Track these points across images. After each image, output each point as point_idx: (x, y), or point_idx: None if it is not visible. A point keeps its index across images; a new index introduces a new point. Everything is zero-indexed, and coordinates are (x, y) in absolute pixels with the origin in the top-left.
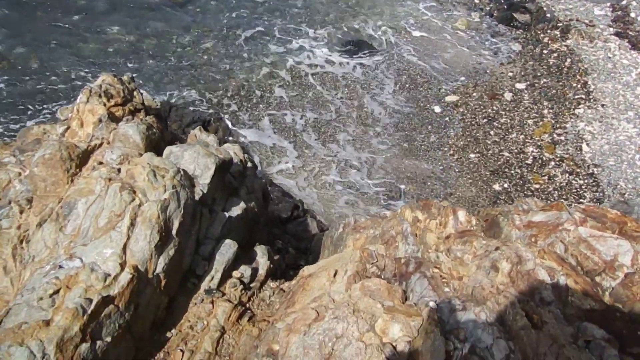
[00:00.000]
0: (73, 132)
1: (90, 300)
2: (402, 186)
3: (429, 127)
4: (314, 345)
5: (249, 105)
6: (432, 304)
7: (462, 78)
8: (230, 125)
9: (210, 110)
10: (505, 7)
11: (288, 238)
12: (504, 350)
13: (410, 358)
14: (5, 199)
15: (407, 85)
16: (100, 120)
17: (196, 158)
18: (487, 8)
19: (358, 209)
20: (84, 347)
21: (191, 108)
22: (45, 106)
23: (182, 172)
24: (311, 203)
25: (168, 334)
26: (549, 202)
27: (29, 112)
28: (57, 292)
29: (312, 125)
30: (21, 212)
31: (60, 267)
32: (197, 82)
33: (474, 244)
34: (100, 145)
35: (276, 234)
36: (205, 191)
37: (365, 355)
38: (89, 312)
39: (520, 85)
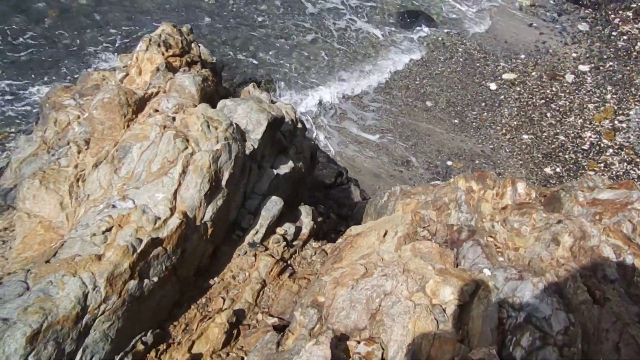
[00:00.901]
0: (131, 79)
1: (141, 240)
2: (449, 162)
3: (483, 104)
4: (361, 299)
5: (301, 70)
6: (486, 270)
7: (522, 56)
8: (280, 88)
9: (261, 72)
10: None
11: (330, 203)
12: (563, 322)
13: (459, 322)
14: (64, 139)
15: (462, 60)
16: (157, 69)
17: (249, 113)
18: None
19: (402, 182)
20: (132, 284)
21: (243, 68)
22: (103, 55)
23: (234, 126)
24: (355, 172)
25: (211, 281)
26: None
27: (87, 60)
28: (109, 229)
29: (361, 94)
30: (79, 152)
31: (114, 206)
32: (250, 43)
33: (534, 216)
34: (157, 93)
35: (319, 198)
36: (255, 146)
37: (413, 314)
38: (139, 251)
39: (583, 67)
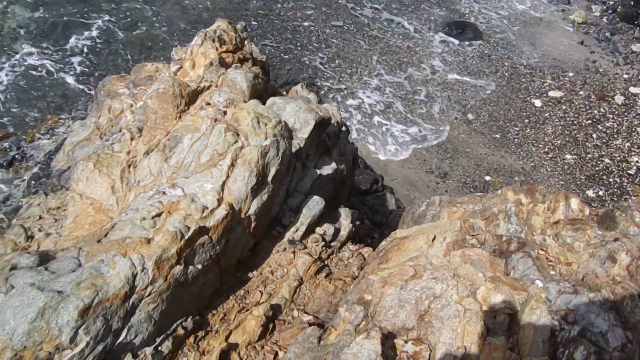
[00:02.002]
0: (184, 72)
1: (188, 228)
2: (487, 177)
3: (526, 120)
4: (410, 299)
5: (343, 75)
6: (538, 282)
7: (571, 74)
8: (322, 91)
9: (304, 74)
10: (632, 2)
11: (364, 209)
12: (621, 338)
13: (509, 330)
14: (117, 126)
15: (507, 74)
16: (211, 64)
17: (297, 112)
18: (611, 2)
19: (437, 194)
20: (178, 269)
21: (286, 69)
22: (155, 49)
23: (283, 123)
24: (390, 180)
25: (250, 274)
26: None
27: (142, 53)
28: (159, 215)
29: (402, 100)
30: (132, 139)
31: (164, 193)
32: (294, 46)
33: (588, 232)
34: (209, 87)
35: (354, 203)
36: (301, 145)
37: (463, 319)
38: (186, 237)
39: (635, 90)
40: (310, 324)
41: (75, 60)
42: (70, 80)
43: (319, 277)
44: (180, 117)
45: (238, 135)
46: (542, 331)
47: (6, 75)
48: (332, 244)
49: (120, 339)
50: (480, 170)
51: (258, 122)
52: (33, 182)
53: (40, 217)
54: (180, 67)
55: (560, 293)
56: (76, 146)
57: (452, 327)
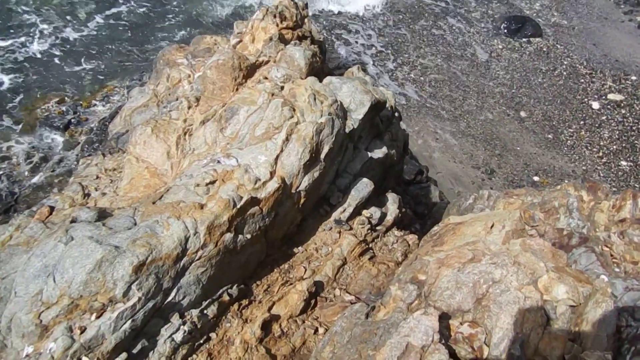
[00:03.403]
0: (244, 46)
1: (241, 197)
2: (536, 178)
3: (582, 122)
4: (468, 282)
5: (395, 64)
6: (604, 277)
7: (634, 77)
8: (372, 78)
9: (355, 59)
10: None
11: (407, 199)
12: None
13: (570, 322)
14: (174, 94)
15: (565, 73)
16: (270, 39)
17: (353, 93)
18: None
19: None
20: (228, 236)
21: (338, 53)
22: (215, 23)
23: (339, 102)
24: (435, 173)
25: (295, 250)
26: None
27: (199, 27)
28: (212, 182)
29: (452, 96)
30: (189, 107)
31: (218, 162)
32: (348, 30)
33: None
34: (267, 62)
35: (397, 191)
36: (355, 126)
37: (523, 306)
38: (238, 206)
39: None
40: (352, 304)
41: (132, 30)
42: (127, 49)
43: (363, 259)
44: (237, 89)
45: (294, 110)
46: (607, 325)
47: (67, 40)
48: (377, 227)
49: (169, 298)
50: (529, 170)
51: (315, 100)
52: (87, 146)
53: (97, 177)
54: (240, 41)
55: (628, 290)
56: (134, 112)
57: (511, 313)
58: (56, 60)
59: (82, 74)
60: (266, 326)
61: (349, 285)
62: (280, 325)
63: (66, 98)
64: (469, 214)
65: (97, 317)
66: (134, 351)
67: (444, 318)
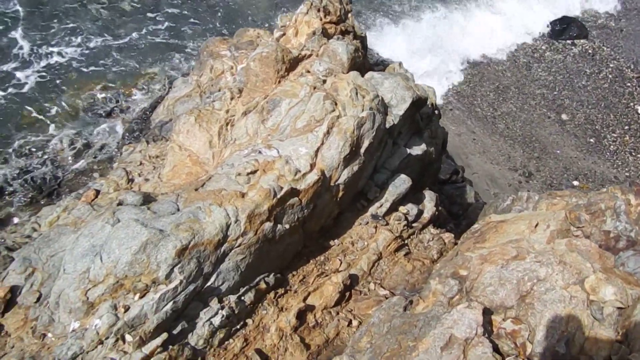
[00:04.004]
0: (287, 39)
1: (281, 188)
2: (575, 182)
3: (626, 127)
4: (511, 279)
5: (434, 61)
6: None
7: None
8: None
9: (392, 57)
10: None
11: (442, 198)
12: None
13: (618, 324)
14: (217, 85)
15: (611, 77)
16: (314, 33)
17: (395, 88)
18: None
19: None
20: (267, 225)
21: (375, 51)
22: (256, 17)
23: (380, 98)
24: (471, 173)
25: (331, 242)
26: None
27: (242, 20)
28: (254, 172)
29: (491, 95)
30: (232, 98)
31: (260, 152)
32: (386, 27)
33: None
34: (309, 56)
35: (433, 190)
36: (395, 122)
37: (568, 305)
38: (279, 196)
39: None
40: (386, 298)
41: (176, 22)
42: (169, 41)
43: (398, 255)
44: (279, 81)
45: (336, 104)
46: None
47: (110, 29)
48: (413, 224)
49: (209, 283)
50: (569, 174)
51: (356, 94)
52: (127, 134)
53: (141, 163)
54: (284, 34)
55: None
56: (177, 101)
57: (556, 312)
58: (100, 49)
59: (125, 63)
60: (301, 316)
61: (384, 280)
62: (314, 316)
63: (110, 86)
64: (511, 213)
65: (141, 297)
66: (174, 332)
67: (487, 313)
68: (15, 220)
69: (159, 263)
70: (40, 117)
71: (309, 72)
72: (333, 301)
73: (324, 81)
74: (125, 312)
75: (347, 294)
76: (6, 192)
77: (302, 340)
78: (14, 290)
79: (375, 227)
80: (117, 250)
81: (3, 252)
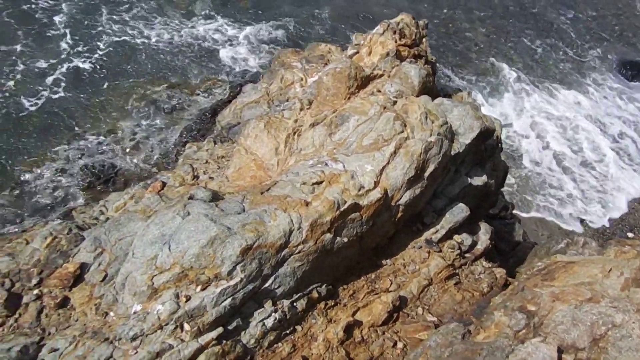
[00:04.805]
0: (360, 57)
1: (345, 201)
2: (630, 234)
3: None
4: (585, 321)
5: (498, 94)
6: None
7: None
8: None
9: (459, 84)
10: None
11: None
12: None
13: None
14: (285, 95)
15: None
16: (387, 54)
17: (464, 117)
18: None
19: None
20: (328, 236)
21: (441, 77)
22: (329, 32)
23: (449, 124)
24: (520, 210)
25: (383, 261)
26: None
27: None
28: (319, 183)
29: (552, 132)
30: (301, 109)
31: (326, 164)
32: (455, 53)
33: None
34: (380, 76)
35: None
36: (461, 150)
37: None
38: (342, 210)
39: None
40: (435, 325)
41: (247, 33)
42: (236, 50)
43: (448, 284)
44: (349, 98)
45: (405, 126)
46: None
47: (181, 37)
48: (466, 254)
49: (266, 284)
50: (623, 225)
51: (426, 118)
52: (185, 132)
53: (207, 162)
54: (357, 52)
55: None
56: (245, 106)
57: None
58: (168, 49)
59: (191, 65)
60: (348, 330)
61: (432, 306)
62: (361, 332)
63: (175, 84)
64: (579, 256)
65: (202, 290)
66: (229, 327)
67: (557, 351)
68: (79, 201)
69: (224, 259)
70: (106, 106)
71: (379, 91)
72: (381, 320)
73: (395, 102)
74: (186, 301)
75: (395, 315)
76: (67, 175)
77: (347, 354)
78: (83, 267)
79: (429, 253)
80: (186, 241)
81: (74, 230)
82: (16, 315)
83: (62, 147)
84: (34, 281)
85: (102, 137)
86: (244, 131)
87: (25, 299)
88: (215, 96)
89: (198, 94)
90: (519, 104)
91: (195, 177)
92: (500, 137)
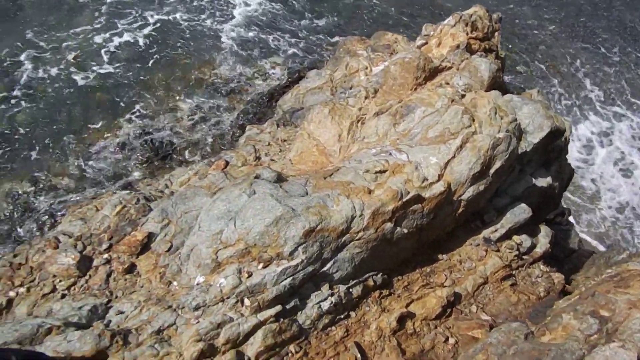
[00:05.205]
0: (428, 48)
1: (408, 192)
2: None
3: None
4: None
5: (571, 96)
6: None
7: None
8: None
9: (527, 83)
10: None
11: None
12: None
13: None
14: (349, 83)
15: None
16: (457, 47)
17: (534, 115)
18: None
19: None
20: (388, 225)
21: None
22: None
23: (518, 122)
24: (576, 217)
25: (440, 256)
26: None
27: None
28: (382, 172)
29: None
30: (366, 97)
31: (390, 154)
32: (516, 54)
33: None
34: (449, 68)
35: None
36: (528, 149)
37: None
38: (404, 200)
39: None
40: (490, 325)
41: (306, 20)
42: (296, 34)
43: (504, 284)
44: (416, 89)
45: (473, 120)
46: None
47: (239, 20)
48: (524, 256)
49: (325, 268)
50: None
51: (495, 114)
52: (242, 115)
53: (269, 144)
54: (426, 43)
55: None
56: (309, 91)
57: None
58: (227, 31)
59: (251, 48)
60: (401, 321)
61: (486, 305)
62: (413, 324)
63: (234, 67)
64: None
65: (264, 267)
66: (287, 306)
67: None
68: (137, 175)
69: (287, 239)
70: (166, 84)
71: (447, 84)
72: (434, 314)
73: (463, 96)
74: (248, 277)
75: (449, 310)
76: (127, 149)
77: (398, 345)
78: (150, 236)
79: (486, 251)
80: (252, 219)
81: (142, 200)
82: (86, 277)
83: (124, 122)
84: (104, 246)
85: (161, 115)
86: (307, 116)
87: (95, 262)
88: (272, 81)
89: (256, 78)
90: (598, 123)
91: (257, 158)
92: (569, 139)
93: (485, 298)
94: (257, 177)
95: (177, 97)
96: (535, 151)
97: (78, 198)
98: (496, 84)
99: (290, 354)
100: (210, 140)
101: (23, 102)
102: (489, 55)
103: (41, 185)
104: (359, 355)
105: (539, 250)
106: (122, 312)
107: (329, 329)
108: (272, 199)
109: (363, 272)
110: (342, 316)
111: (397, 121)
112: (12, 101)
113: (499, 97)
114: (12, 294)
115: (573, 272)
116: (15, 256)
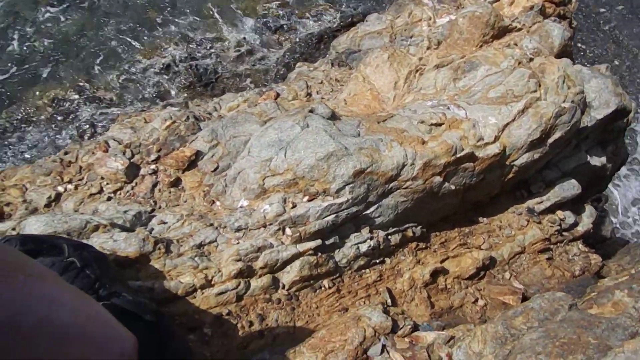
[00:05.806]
0: (500, 5)
1: (462, 148)
2: None
3: None
4: None
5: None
6: None
7: None
8: None
9: (579, 57)
10: None
11: None
12: None
13: None
14: (410, 32)
15: None
16: (531, 8)
17: (602, 90)
18: None
19: None
20: (437, 179)
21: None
22: None
23: (584, 94)
24: (611, 206)
25: (480, 219)
26: None
27: None
28: (438, 125)
29: None
30: (428, 48)
31: (448, 108)
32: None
33: None
34: (519, 30)
35: None
36: (589, 124)
37: None
38: (457, 156)
39: None
40: (522, 293)
41: None
42: None
43: (541, 257)
44: (481, 46)
45: (539, 86)
46: None
47: None
48: (564, 232)
49: (368, 211)
50: None
51: (563, 82)
52: (288, 53)
53: (321, 82)
54: (498, 0)
55: None
56: (366, 35)
57: None
58: None
59: None
60: (434, 275)
61: (520, 274)
62: (445, 280)
63: (286, 2)
64: None
65: (309, 200)
66: (327, 242)
67: None
68: (176, 98)
69: (336, 176)
70: (216, 14)
71: (516, 45)
72: (468, 274)
73: (531, 59)
74: (292, 207)
75: (482, 273)
76: (172, 71)
77: (428, 297)
78: (197, 155)
79: (528, 221)
80: (303, 151)
81: (191, 119)
82: (133, 184)
83: (172, 44)
84: (152, 157)
85: (209, 43)
86: (365, 59)
87: (142, 171)
88: (324, 23)
89: (308, 18)
90: None
91: (309, 94)
92: (631, 121)
93: (519, 267)
94: (311, 110)
95: (226, 28)
96: (596, 128)
97: (119, 112)
98: (565, 53)
99: (323, 288)
100: (254, 73)
101: (74, 12)
102: (562, 22)
103: (85, 95)
104: (389, 300)
105: (581, 229)
106: (164, 223)
107: (362, 271)
108: (325, 134)
109: (404, 221)
110: (377, 261)
111: (458, 76)
112: (64, 7)
113: (569, 65)
114: (60, 189)
115: (604, 259)
116: (66, 153)
